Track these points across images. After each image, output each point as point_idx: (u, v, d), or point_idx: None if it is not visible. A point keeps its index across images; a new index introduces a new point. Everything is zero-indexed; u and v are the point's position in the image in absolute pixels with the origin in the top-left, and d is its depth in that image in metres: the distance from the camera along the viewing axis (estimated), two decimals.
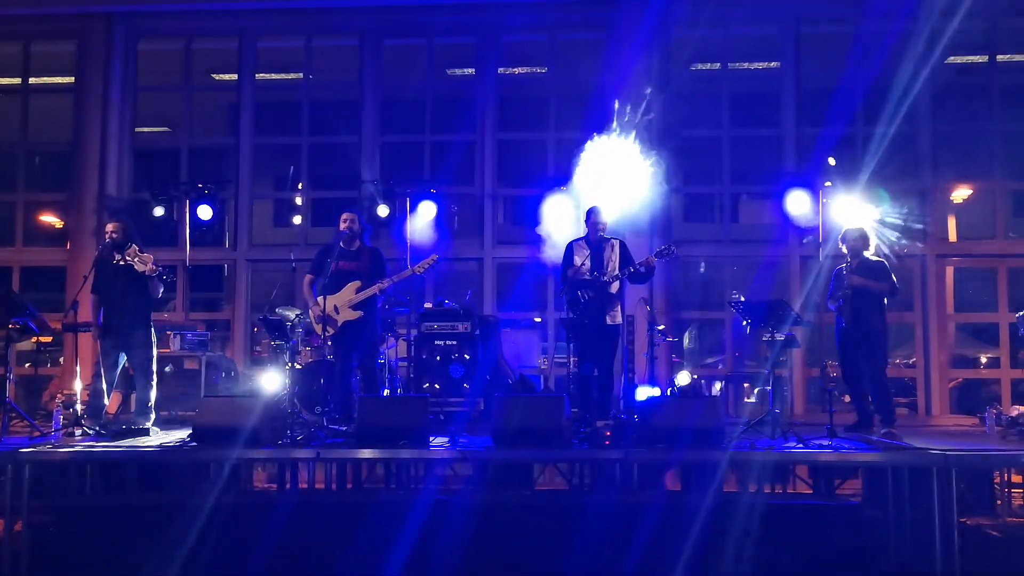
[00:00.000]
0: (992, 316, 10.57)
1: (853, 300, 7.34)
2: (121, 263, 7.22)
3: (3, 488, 6.38)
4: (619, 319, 7.39)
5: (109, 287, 7.33)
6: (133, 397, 7.71)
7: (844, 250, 7.64)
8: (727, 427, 6.63)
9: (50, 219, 12.27)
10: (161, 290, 7.36)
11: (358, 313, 7.35)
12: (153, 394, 7.41)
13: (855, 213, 9.33)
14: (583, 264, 7.37)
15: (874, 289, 7.37)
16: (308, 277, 7.59)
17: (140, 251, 7.24)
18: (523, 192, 11.11)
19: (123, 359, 7.35)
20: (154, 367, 7.42)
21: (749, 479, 7.25)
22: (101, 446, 6.70)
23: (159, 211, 10.22)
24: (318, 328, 7.31)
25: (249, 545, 6.08)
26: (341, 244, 7.52)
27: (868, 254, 7.58)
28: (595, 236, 7.45)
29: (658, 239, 10.22)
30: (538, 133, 10.98)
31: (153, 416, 7.42)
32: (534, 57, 11.37)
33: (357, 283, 7.38)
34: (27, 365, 10.19)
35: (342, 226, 7.51)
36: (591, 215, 7.60)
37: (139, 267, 7.11)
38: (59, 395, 7.93)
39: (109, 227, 7.53)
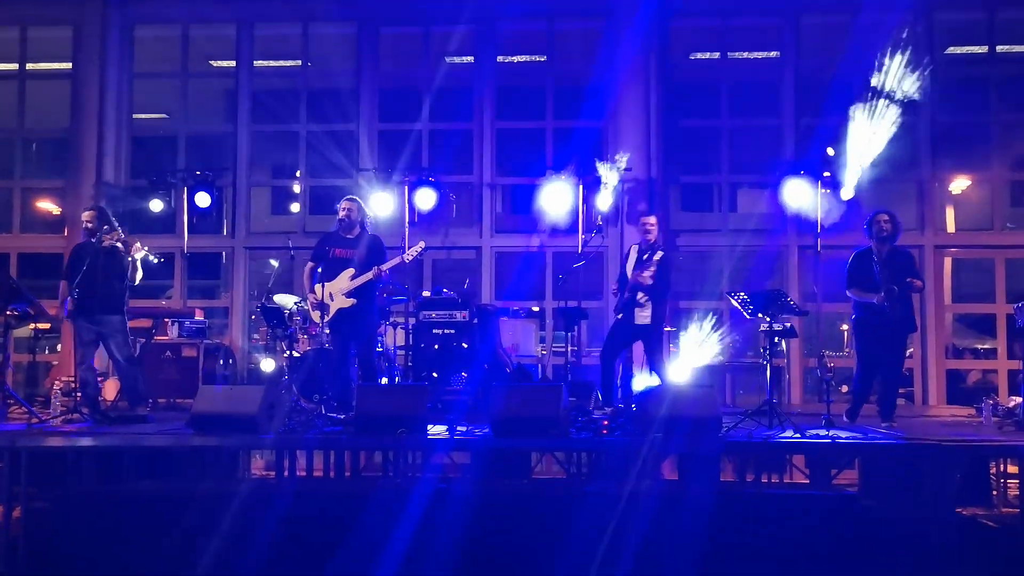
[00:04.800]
0: (990, 307, 10.60)
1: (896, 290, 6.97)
2: (103, 247, 7.22)
3: (1, 475, 6.38)
4: (649, 319, 7.51)
5: (86, 272, 7.22)
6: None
7: (878, 233, 7.16)
8: (724, 416, 6.63)
9: (48, 205, 12.24)
10: (140, 276, 7.36)
11: (351, 301, 7.31)
12: (141, 379, 7.42)
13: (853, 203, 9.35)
14: (628, 263, 7.72)
15: (911, 280, 7.08)
16: (310, 264, 7.56)
17: (122, 237, 7.25)
18: (521, 181, 11.11)
19: (98, 344, 7.36)
20: (133, 352, 7.43)
21: (746, 469, 7.27)
22: (98, 433, 6.71)
23: (156, 200, 10.22)
24: (315, 315, 7.31)
25: (247, 533, 6.08)
26: (339, 231, 7.50)
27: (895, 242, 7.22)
28: (646, 241, 7.71)
29: (657, 229, 10.21)
30: (536, 122, 10.96)
31: (147, 401, 7.43)
32: (532, 46, 11.33)
33: (351, 271, 7.34)
34: (24, 352, 10.18)
35: (340, 213, 7.49)
36: (643, 222, 7.83)
37: (107, 242, 7.16)
38: (57, 382, 7.93)
39: (84, 215, 7.54)
